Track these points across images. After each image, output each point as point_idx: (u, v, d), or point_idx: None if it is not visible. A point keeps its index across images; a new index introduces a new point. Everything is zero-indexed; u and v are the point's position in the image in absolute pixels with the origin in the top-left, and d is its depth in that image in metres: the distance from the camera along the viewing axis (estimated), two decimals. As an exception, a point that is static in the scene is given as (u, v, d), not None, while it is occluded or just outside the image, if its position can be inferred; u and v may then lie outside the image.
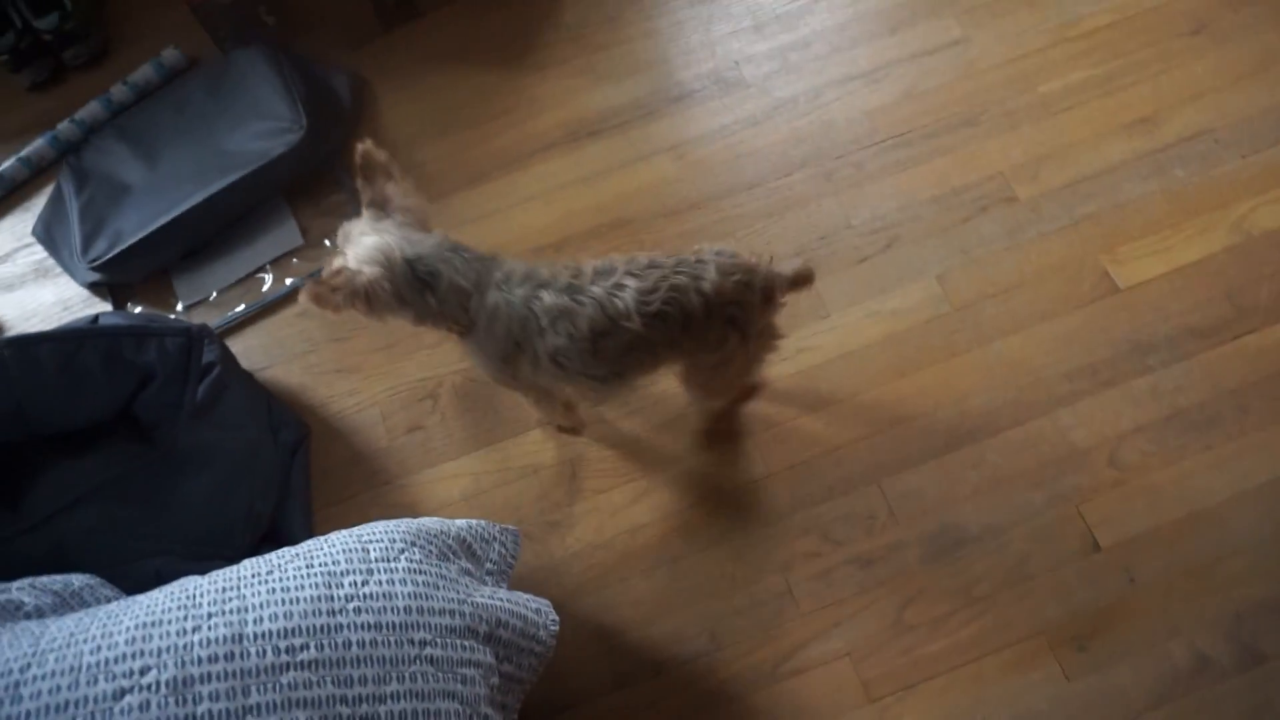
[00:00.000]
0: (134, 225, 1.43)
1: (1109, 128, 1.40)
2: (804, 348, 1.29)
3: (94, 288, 1.47)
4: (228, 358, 1.21)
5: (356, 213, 0.99)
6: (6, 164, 1.57)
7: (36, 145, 1.58)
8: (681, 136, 1.48)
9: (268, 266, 1.46)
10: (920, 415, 1.22)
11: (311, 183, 1.50)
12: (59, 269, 1.51)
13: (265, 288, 1.44)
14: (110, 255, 1.41)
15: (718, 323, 0.94)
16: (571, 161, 1.48)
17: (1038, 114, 1.43)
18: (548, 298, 0.93)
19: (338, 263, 0.92)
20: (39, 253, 1.52)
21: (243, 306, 1.42)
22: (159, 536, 1.08)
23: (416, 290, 0.94)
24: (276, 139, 1.44)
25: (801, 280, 1.00)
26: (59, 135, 1.58)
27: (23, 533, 1.01)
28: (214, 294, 1.44)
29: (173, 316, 1.43)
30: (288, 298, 1.42)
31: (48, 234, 1.52)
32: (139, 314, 1.19)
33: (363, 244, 0.93)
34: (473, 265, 0.96)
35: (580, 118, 1.51)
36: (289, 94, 1.48)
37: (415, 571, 0.83)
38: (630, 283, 0.91)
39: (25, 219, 1.56)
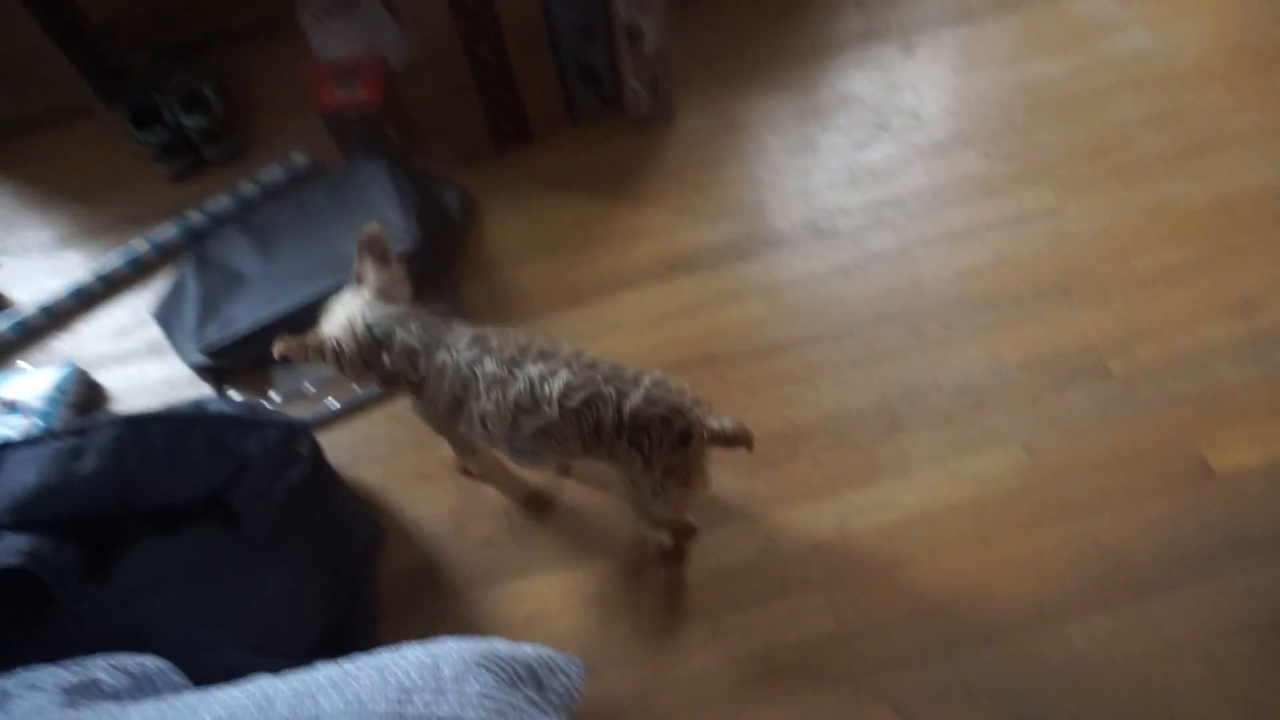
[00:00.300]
0: (245, 315, 1.51)
1: (1205, 308, 1.40)
2: (883, 504, 1.27)
3: (199, 370, 1.54)
4: (317, 453, 1.25)
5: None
6: (140, 247, 1.68)
7: (168, 231, 1.69)
8: (773, 279, 1.52)
9: (363, 365, 1.51)
10: (1002, 587, 1.19)
11: (417, 292, 1.57)
12: (170, 348, 1.58)
13: (358, 387, 1.49)
14: (219, 341, 1.48)
15: (624, 442, 0.99)
16: (664, 294, 1.52)
17: (1132, 289, 1.43)
18: (489, 364, 1.02)
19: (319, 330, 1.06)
20: (154, 332, 1.61)
21: (335, 404, 1.47)
22: (231, 624, 1.09)
23: (374, 352, 1.05)
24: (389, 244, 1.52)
25: (735, 439, 1.03)
26: (189, 224, 1.70)
27: (108, 606, 1.03)
28: (309, 388, 1.50)
29: (269, 406, 1.48)
30: (378, 399, 1.47)
31: (165, 315, 1.61)
32: (242, 403, 1.24)
33: (335, 314, 1.08)
34: (425, 328, 1.06)
35: (675, 252, 1.57)
36: (403, 204, 1.57)
37: (486, 697, 0.83)
38: (564, 374, 0.99)
39: (147, 298, 1.65)
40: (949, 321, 1.43)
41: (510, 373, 1.00)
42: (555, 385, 0.98)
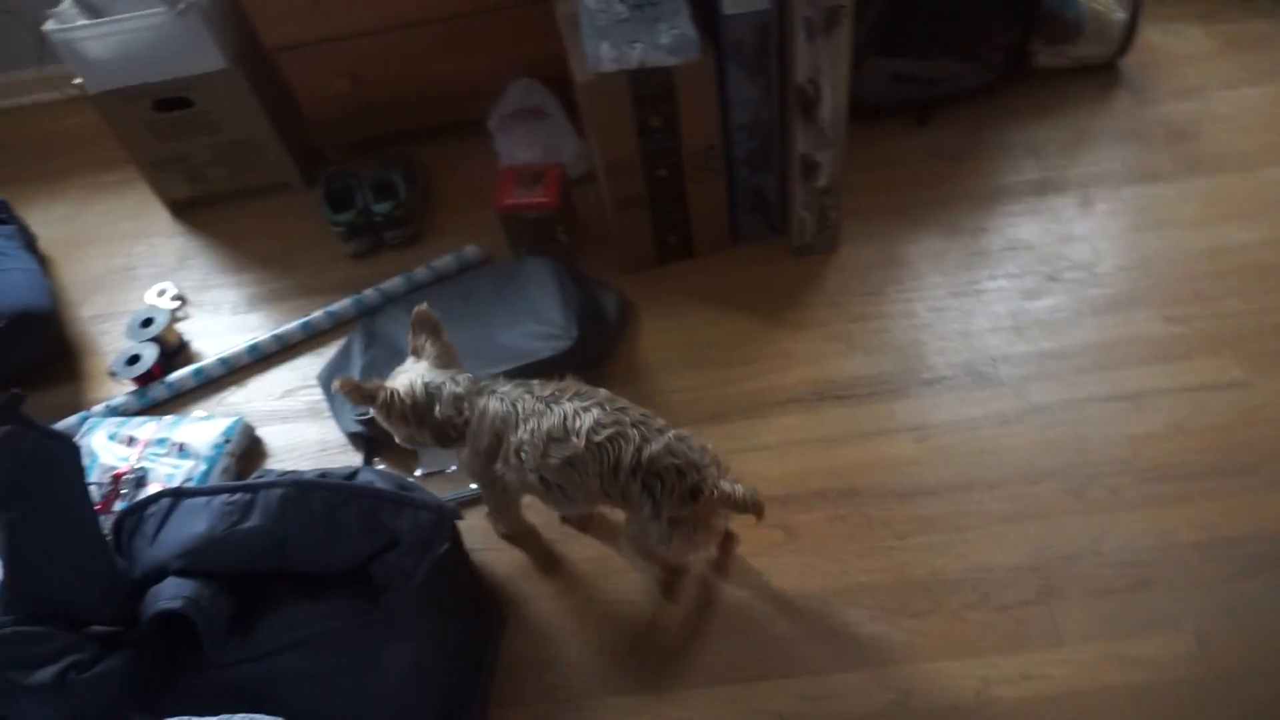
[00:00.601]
0: (403, 391, 1.57)
1: None
2: (1030, 674, 1.18)
3: (352, 437, 1.61)
4: (456, 535, 1.27)
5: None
6: (315, 315, 1.79)
7: (343, 303, 1.80)
8: (926, 420, 1.48)
9: (506, 454, 1.54)
10: (1164, 792, 1.07)
11: (564, 386, 1.61)
12: (328, 413, 1.66)
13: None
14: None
15: (638, 485, 1.06)
16: (812, 421, 1.50)
17: (1328, 479, 1.32)
18: (528, 401, 1.13)
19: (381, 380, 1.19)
20: (316, 395, 1.69)
21: (474, 486, 1.50)
22: (355, 696, 1.10)
23: (428, 406, 1.16)
24: (546, 342, 1.57)
25: (745, 506, 1.09)
26: (363, 299, 1.80)
27: (246, 661, 1.06)
28: (452, 468, 1.53)
29: (410, 479, 1.52)
30: (517, 488, 1.49)
31: (328, 380, 1.70)
32: (391, 476, 1.28)
33: (397, 377, 1.21)
34: (471, 380, 1.19)
35: (827, 380, 1.55)
36: (565, 304, 1.62)
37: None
38: (595, 412, 1.08)
39: (315, 363, 1.75)
40: (1115, 486, 1.35)
41: (548, 407, 1.11)
42: (586, 420, 1.07)
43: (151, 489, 1.52)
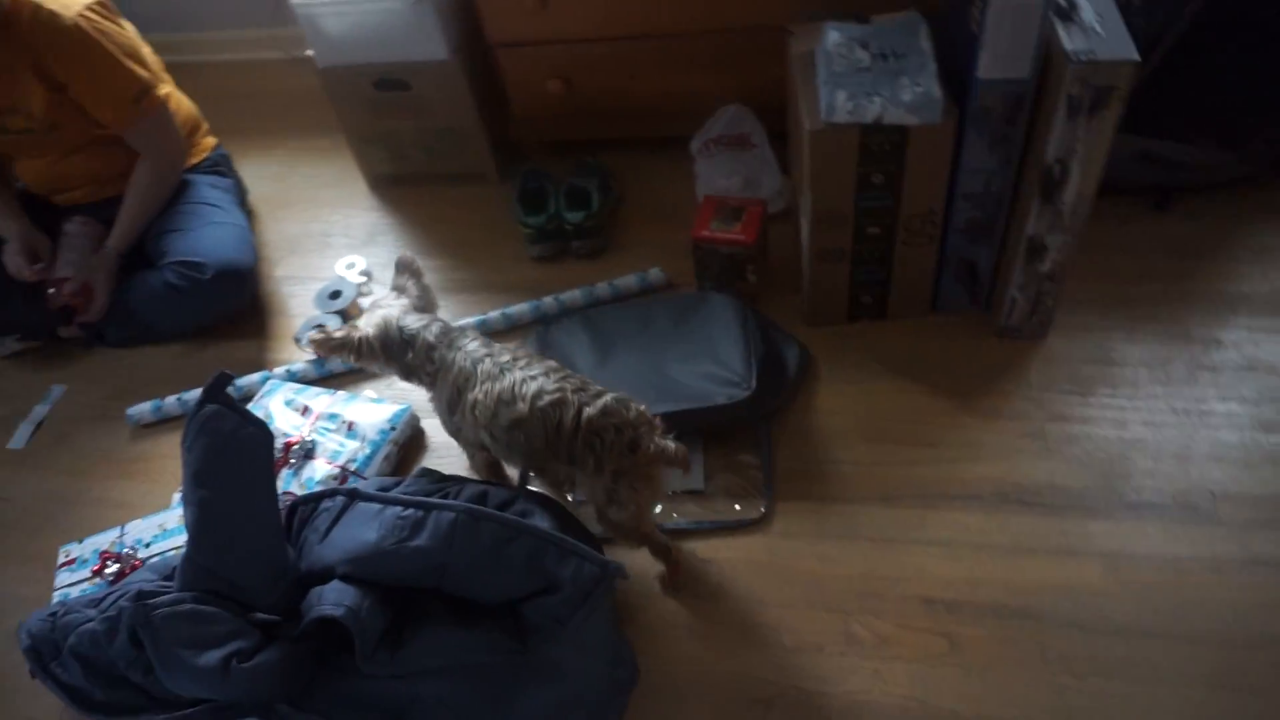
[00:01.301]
0: (569, 410, 1.55)
1: None
2: None
3: (512, 448, 1.60)
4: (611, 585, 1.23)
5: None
6: (492, 314, 1.80)
7: (520, 307, 1.80)
8: (1123, 548, 1.34)
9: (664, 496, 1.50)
10: None
11: (732, 437, 1.55)
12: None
13: (657, 511, 1.48)
14: (539, 428, 1.54)
15: (581, 444, 1.15)
16: (992, 524, 1.38)
17: None
18: (487, 363, 1.23)
19: (353, 325, 1.31)
20: (483, 396, 1.70)
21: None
22: (484, 733, 1.09)
23: (401, 348, 1.29)
24: (721, 387, 1.51)
25: (676, 459, 1.18)
26: (540, 305, 1.80)
27: (390, 676, 1.06)
28: (606, 500, 1.50)
29: (568, 501, 1.50)
30: (668, 532, 1.44)
31: (496, 384, 1.70)
32: (550, 511, 1.26)
33: (372, 314, 1.33)
34: (444, 332, 1.29)
35: (1015, 482, 1.43)
36: (746, 351, 1.56)
37: None
38: (541, 380, 1.18)
39: (485, 363, 1.76)
40: (1347, 674, 1.18)
41: (501, 371, 1.21)
42: (531, 386, 1.18)
43: (319, 462, 1.56)
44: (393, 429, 1.62)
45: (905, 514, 1.42)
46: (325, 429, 1.61)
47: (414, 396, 1.72)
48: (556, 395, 1.16)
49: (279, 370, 1.78)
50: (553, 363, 1.23)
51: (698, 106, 1.91)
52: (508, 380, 1.19)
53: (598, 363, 1.64)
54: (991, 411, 1.53)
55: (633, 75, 1.90)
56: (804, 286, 1.67)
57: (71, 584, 1.44)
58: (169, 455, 1.74)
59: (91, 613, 1.10)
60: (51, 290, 1.78)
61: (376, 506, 1.10)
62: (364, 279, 1.97)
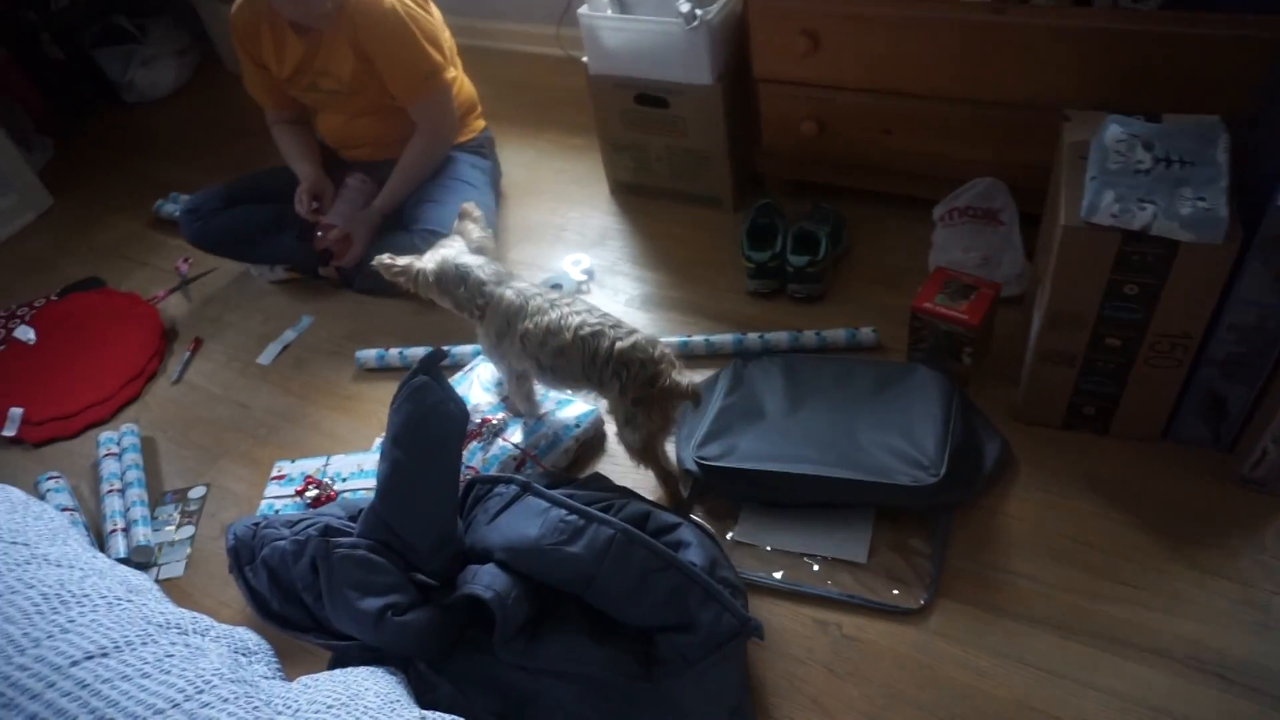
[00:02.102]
0: (748, 451, 1.55)
1: None
2: None
3: (686, 474, 1.62)
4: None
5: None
6: (696, 338, 1.83)
7: (724, 338, 1.81)
8: (1336, 764, 1.16)
9: (820, 559, 1.46)
10: None
11: (907, 518, 1.48)
12: (672, 438, 1.69)
13: (810, 573, 1.45)
14: (714, 460, 1.54)
15: (610, 371, 1.35)
16: (1177, 690, 1.24)
17: None
18: (537, 300, 1.43)
19: (416, 257, 1.51)
20: (668, 416, 1.73)
21: (779, 575, 1.44)
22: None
23: (455, 282, 1.46)
24: (908, 468, 1.45)
25: (687, 394, 1.38)
26: (744, 340, 1.80)
27: (518, 668, 1.11)
28: (767, 548, 1.49)
29: (729, 535, 1.50)
30: (817, 598, 1.41)
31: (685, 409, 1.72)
32: (707, 544, 1.26)
33: (435, 252, 1.51)
34: (496, 272, 1.48)
35: (1217, 650, 1.27)
36: (943, 436, 1.49)
37: None
38: (584, 315, 1.39)
39: (678, 384, 1.79)
40: None
41: (551, 306, 1.41)
42: (574, 320, 1.38)
43: (508, 442, 1.64)
44: (578, 426, 1.69)
45: (1080, 651, 1.30)
46: (516, 420, 1.70)
47: (601, 402, 1.78)
48: (597, 328, 1.36)
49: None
50: (592, 304, 1.44)
51: (948, 173, 1.84)
52: (555, 314, 1.39)
53: (787, 409, 1.63)
54: (1209, 566, 1.37)
55: (888, 130, 1.86)
56: (1021, 381, 1.57)
57: (277, 496, 1.61)
58: (380, 401, 1.90)
59: (286, 532, 1.23)
60: (319, 234, 2.00)
61: (544, 505, 1.15)
62: (585, 278, 2.05)
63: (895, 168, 1.93)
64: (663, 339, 1.81)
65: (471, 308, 1.47)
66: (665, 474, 1.51)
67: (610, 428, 1.74)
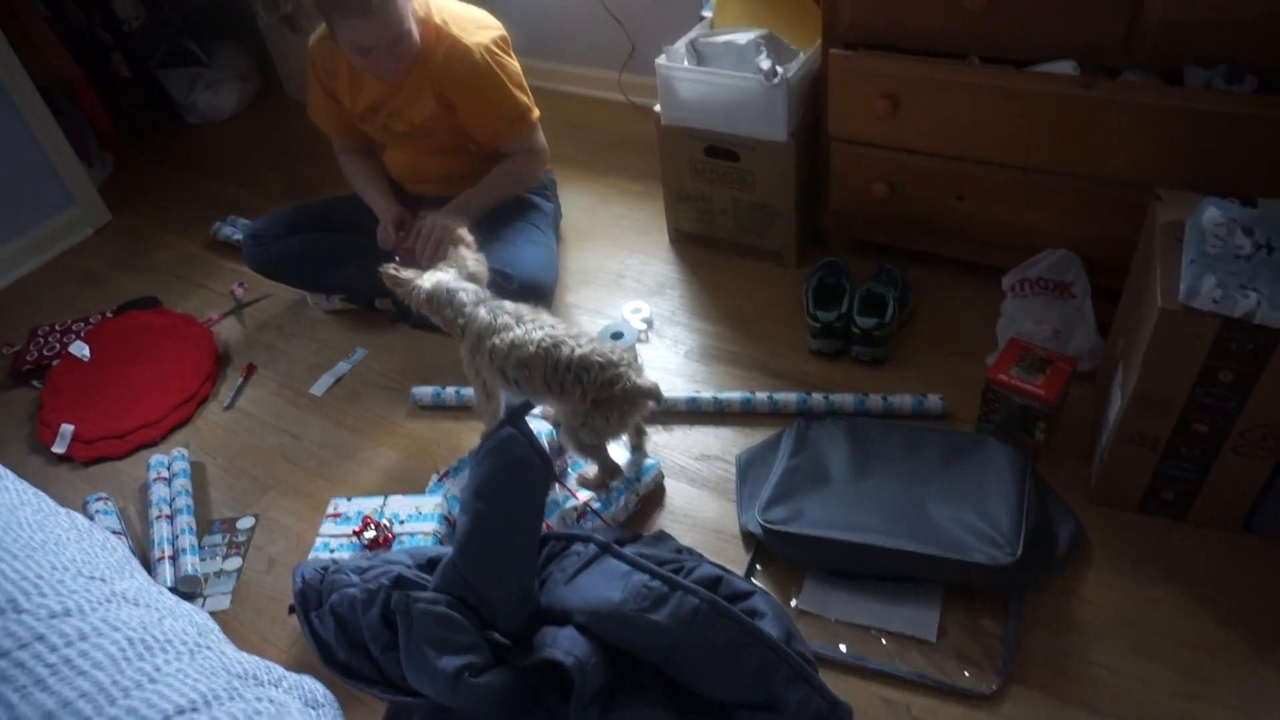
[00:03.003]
0: (814, 517, 1.51)
1: None
2: None
3: (746, 534, 1.59)
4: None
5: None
6: (759, 395, 1.80)
7: (788, 396, 1.79)
8: None
9: (888, 634, 1.42)
10: None
11: (979, 597, 1.45)
12: (732, 496, 1.66)
13: (878, 648, 1.41)
14: (780, 525, 1.51)
15: (571, 377, 1.45)
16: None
17: None
18: (504, 318, 1.53)
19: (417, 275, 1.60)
20: (729, 473, 1.70)
21: (844, 648, 1.41)
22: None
23: (444, 302, 1.56)
24: (982, 545, 1.42)
25: (651, 393, 1.50)
26: (808, 400, 1.78)
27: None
28: (832, 619, 1.45)
29: (792, 602, 1.46)
30: (885, 675, 1.37)
31: (746, 466, 1.69)
32: (781, 617, 1.23)
33: (432, 274, 1.59)
34: (476, 294, 1.58)
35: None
36: (1018, 514, 1.45)
37: None
38: (546, 330, 1.49)
39: (739, 441, 1.76)
40: None
41: (517, 322, 1.52)
42: (537, 334, 1.48)
43: (567, 490, 1.62)
44: (639, 479, 1.66)
45: (1157, 749, 1.26)
46: (577, 463, 1.68)
47: (664, 454, 1.76)
48: (556, 340, 1.47)
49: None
50: (555, 319, 1.55)
51: (1020, 241, 1.82)
52: (520, 330, 1.50)
53: (853, 474, 1.60)
54: (1296, 676, 1.32)
55: (961, 196, 1.85)
56: (1097, 460, 1.54)
57: (333, 535, 1.59)
58: (435, 440, 1.89)
59: (355, 579, 1.20)
60: (397, 259, 1.96)
61: (625, 568, 1.13)
62: (645, 327, 2.04)
63: (965, 233, 1.91)
64: (724, 394, 1.82)
65: (454, 327, 1.58)
66: (610, 468, 1.61)
67: (670, 481, 1.72)
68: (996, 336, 1.83)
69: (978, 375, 1.73)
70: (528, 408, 1.14)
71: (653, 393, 1.50)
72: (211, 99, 3.18)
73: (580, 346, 1.46)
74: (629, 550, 1.21)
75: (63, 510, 1.33)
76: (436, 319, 1.61)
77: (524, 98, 1.96)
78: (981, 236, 1.90)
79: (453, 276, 1.60)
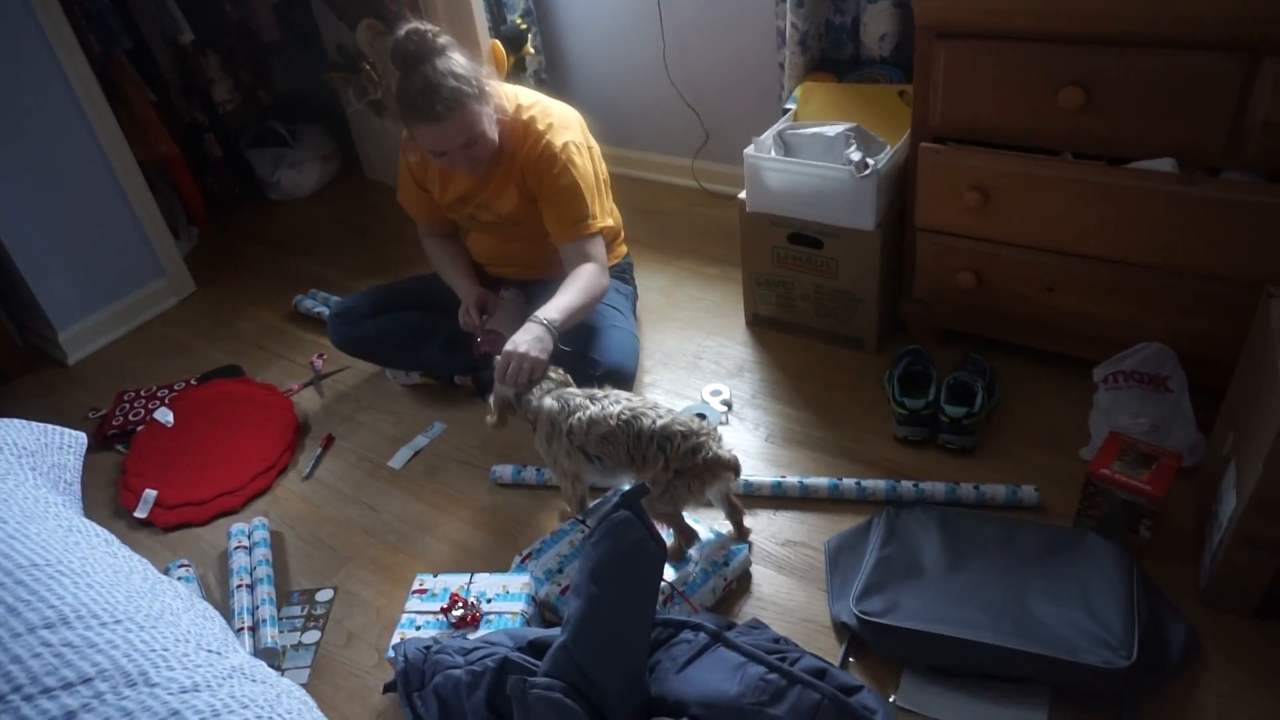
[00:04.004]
0: (912, 610, 1.47)
1: None
2: None
3: (839, 624, 1.55)
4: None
5: None
6: (847, 481, 1.78)
7: (877, 483, 1.76)
8: None
9: (993, 737, 1.37)
10: None
11: (1087, 702, 1.38)
12: (822, 584, 1.63)
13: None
14: (876, 617, 1.47)
15: (654, 446, 1.48)
16: None
17: None
18: (576, 399, 1.58)
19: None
20: (818, 560, 1.67)
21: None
22: None
23: (513, 405, 1.64)
24: (1093, 645, 1.36)
25: (730, 465, 1.53)
26: (898, 488, 1.75)
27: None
28: (934, 719, 1.39)
29: (891, 698, 1.41)
30: (997, 787, 1.30)
31: (836, 554, 1.66)
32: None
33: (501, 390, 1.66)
34: (543, 387, 1.64)
35: None
36: (1130, 614, 1.40)
37: None
38: (623, 404, 1.53)
39: (827, 527, 1.73)
40: None
41: (591, 401, 1.57)
42: (614, 408, 1.53)
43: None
44: (726, 564, 1.63)
45: None
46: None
47: (750, 539, 1.73)
48: (635, 413, 1.51)
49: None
50: (626, 393, 1.59)
51: (1111, 335, 1.81)
52: (596, 407, 1.54)
53: (948, 566, 1.56)
54: None
55: (1050, 288, 1.85)
56: (1208, 562, 1.48)
57: (419, 611, 1.57)
58: (516, 519, 1.88)
59: (460, 660, 1.18)
60: (479, 339, 1.99)
61: (738, 658, 1.10)
62: (725, 409, 2.04)
63: (1054, 325, 1.90)
64: (810, 479, 1.80)
65: (532, 418, 1.64)
66: (688, 532, 1.62)
67: (756, 567, 1.69)
68: (1089, 429, 1.80)
69: (1070, 467, 1.69)
70: (644, 491, 1.14)
71: (733, 464, 1.53)
72: (294, 177, 3.31)
73: (661, 417, 1.50)
74: (754, 649, 1.17)
75: (165, 578, 1.33)
76: (516, 413, 1.68)
77: (593, 204, 1.93)
78: (1070, 329, 1.88)
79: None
